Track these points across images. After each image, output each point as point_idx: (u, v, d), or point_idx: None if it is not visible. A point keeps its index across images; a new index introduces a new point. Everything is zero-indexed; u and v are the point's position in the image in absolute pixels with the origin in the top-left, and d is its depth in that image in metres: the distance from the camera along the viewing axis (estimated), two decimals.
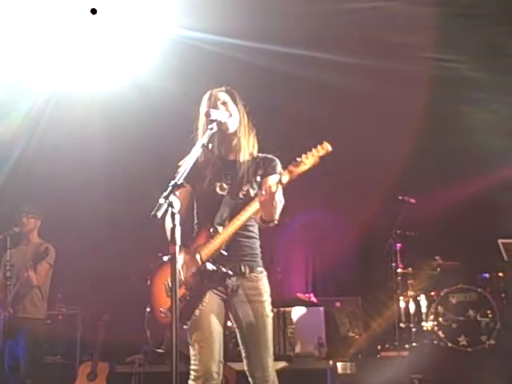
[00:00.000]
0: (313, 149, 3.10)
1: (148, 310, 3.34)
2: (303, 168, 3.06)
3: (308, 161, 3.07)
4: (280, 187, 3.03)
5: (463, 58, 6.20)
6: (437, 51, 6.16)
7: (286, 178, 3.06)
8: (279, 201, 3.05)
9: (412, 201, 6.71)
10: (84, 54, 6.25)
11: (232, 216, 3.21)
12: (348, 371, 5.73)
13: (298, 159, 3.08)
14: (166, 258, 3.31)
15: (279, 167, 3.36)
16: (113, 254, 7.19)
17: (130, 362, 6.40)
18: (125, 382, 6.21)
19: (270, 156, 3.42)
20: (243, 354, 3.32)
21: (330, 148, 3.11)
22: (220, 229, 3.22)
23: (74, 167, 7.04)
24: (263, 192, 3.02)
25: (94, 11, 5.84)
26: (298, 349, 6.56)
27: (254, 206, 3.13)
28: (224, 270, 3.19)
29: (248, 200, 3.23)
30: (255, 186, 3.28)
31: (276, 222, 3.19)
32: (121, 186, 7.27)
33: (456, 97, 6.55)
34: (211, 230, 3.24)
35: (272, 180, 3.12)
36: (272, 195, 2.99)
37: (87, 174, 7.02)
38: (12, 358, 5.65)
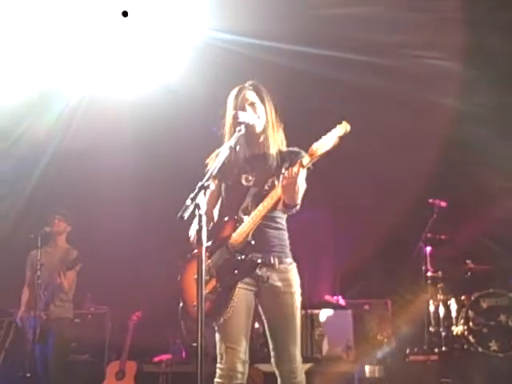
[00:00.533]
0: (332, 129, 3.10)
1: (181, 305, 3.36)
2: (323, 149, 3.07)
3: (328, 142, 3.07)
4: (302, 171, 3.06)
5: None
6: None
7: (306, 160, 3.07)
8: (301, 185, 3.08)
9: (443, 204, 6.64)
10: (114, 58, 6.29)
11: (257, 206, 3.22)
12: (376, 375, 5.69)
13: (319, 141, 3.08)
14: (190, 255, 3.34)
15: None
16: (141, 254, 7.24)
17: (157, 362, 6.45)
18: (152, 381, 6.26)
19: (296, 149, 3.41)
20: (271, 347, 3.32)
21: (348, 128, 3.10)
22: (245, 218, 3.23)
23: (103, 169, 7.11)
24: (286, 175, 3.05)
25: (125, 14, 5.89)
26: (325, 351, 6.53)
27: (278, 191, 3.14)
28: (253, 258, 3.19)
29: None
30: (281, 177, 3.25)
31: (298, 208, 3.20)
32: (149, 188, 7.32)
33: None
34: (236, 219, 3.26)
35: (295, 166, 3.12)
36: (294, 178, 3.02)
37: (116, 175, 7.08)
38: (43, 361, 5.73)
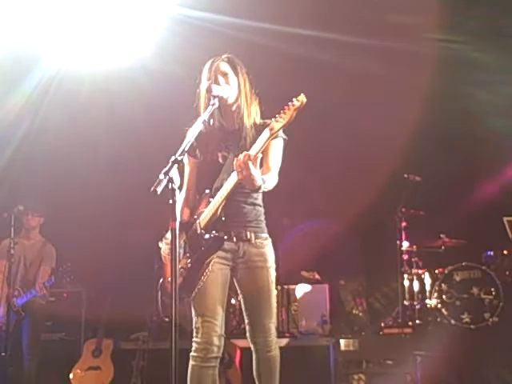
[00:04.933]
0: (289, 102, 3.05)
1: (161, 280, 3.41)
2: (281, 124, 3.04)
3: (285, 115, 3.03)
4: (255, 158, 3.01)
5: (467, 38, 6.14)
6: (441, 32, 6.09)
7: (255, 150, 3.04)
8: (255, 171, 3.02)
9: (417, 179, 6.69)
10: (85, 34, 6.19)
11: None
12: (351, 348, 5.75)
13: (276, 116, 3.06)
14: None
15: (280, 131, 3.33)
16: (117, 232, 7.20)
17: (134, 339, 6.45)
18: (129, 358, 6.26)
19: (269, 121, 3.39)
20: (246, 321, 3.37)
21: (305, 100, 3.03)
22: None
23: (77, 148, 7.03)
24: (237, 170, 3.01)
25: None
26: (301, 326, 6.59)
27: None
28: (219, 234, 3.21)
29: None
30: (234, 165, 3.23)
31: (266, 186, 3.17)
32: (126, 166, 7.26)
33: (462, 78, 6.49)
34: (211, 195, 3.28)
35: (243, 156, 3.02)
36: (247, 172, 2.97)
37: (90, 154, 7.01)
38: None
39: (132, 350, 6.33)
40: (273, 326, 3.33)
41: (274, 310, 3.36)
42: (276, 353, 3.35)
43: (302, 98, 3.05)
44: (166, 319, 3.25)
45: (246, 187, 3.15)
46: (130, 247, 6.92)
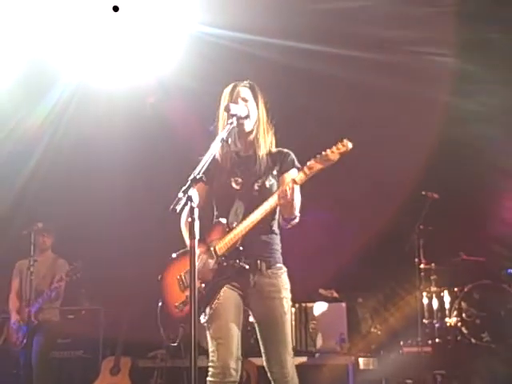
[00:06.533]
0: (333, 146, 3.04)
1: (160, 304, 3.35)
2: (321, 166, 3.04)
3: (328, 157, 3.03)
4: (297, 186, 3.05)
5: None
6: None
7: (301, 177, 3.07)
8: (298, 199, 3.09)
9: (435, 196, 6.66)
10: (106, 53, 6.26)
11: (247, 210, 3.20)
12: (370, 367, 5.71)
13: (318, 156, 3.05)
14: (174, 255, 3.36)
15: (295, 161, 3.35)
16: (134, 250, 7.22)
17: (152, 357, 6.45)
18: (147, 376, 6.27)
19: (285, 150, 3.40)
20: (262, 350, 3.31)
21: (350, 146, 3.03)
22: (235, 224, 3.20)
23: (95, 166, 7.09)
24: (281, 195, 3.04)
25: (116, 9, 5.85)
26: (319, 344, 6.54)
27: (271, 201, 3.11)
28: (238, 264, 3.17)
29: (263, 193, 3.22)
30: (271, 178, 3.26)
31: (297, 220, 3.19)
32: (142, 185, 7.30)
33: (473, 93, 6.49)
34: (226, 225, 3.24)
35: (287, 180, 3.10)
36: (291, 198, 3.02)
37: (108, 172, 7.05)
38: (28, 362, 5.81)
39: (150, 367, 6.33)
40: (288, 357, 3.24)
41: (289, 342, 3.28)
42: (294, 382, 3.27)
43: (347, 144, 3.04)
44: (173, 344, 3.24)
45: (282, 213, 3.18)
46: (148, 265, 6.92)
